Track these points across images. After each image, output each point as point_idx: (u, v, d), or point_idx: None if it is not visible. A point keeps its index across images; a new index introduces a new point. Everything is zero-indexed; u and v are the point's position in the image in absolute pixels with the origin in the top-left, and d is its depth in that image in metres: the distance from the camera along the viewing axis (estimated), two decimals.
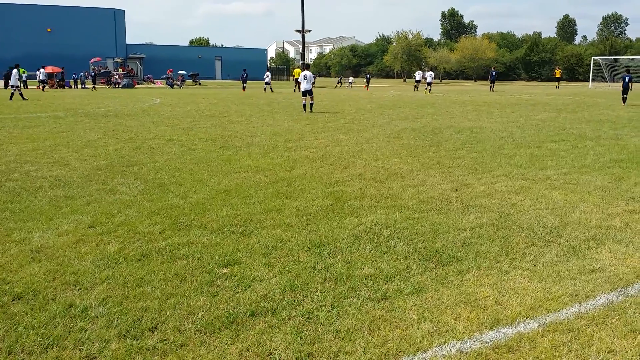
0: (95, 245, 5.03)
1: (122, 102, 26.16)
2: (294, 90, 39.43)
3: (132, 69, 55.13)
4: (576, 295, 3.97)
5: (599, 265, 4.56)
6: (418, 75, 46.52)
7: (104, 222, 5.71)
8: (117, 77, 47.74)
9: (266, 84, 41.12)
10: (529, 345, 3.28)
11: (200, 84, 56.61)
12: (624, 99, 26.06)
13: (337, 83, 57.03)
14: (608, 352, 3.20)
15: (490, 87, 44.54)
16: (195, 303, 3.80)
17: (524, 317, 3.63)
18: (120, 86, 46.17)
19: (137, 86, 48.55)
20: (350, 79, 59.13)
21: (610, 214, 6.13)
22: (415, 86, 45.44)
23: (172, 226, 5.57)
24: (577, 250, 4.94)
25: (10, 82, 27.26)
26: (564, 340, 3.33)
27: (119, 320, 3.55)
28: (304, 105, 21.24)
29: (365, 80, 55.04)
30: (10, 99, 26.12)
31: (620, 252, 4.89)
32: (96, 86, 42.34)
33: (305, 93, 21.20)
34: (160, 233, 5.36)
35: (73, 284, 4.14)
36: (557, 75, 54.66)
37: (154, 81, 55.69)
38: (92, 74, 43.82)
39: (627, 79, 26.82)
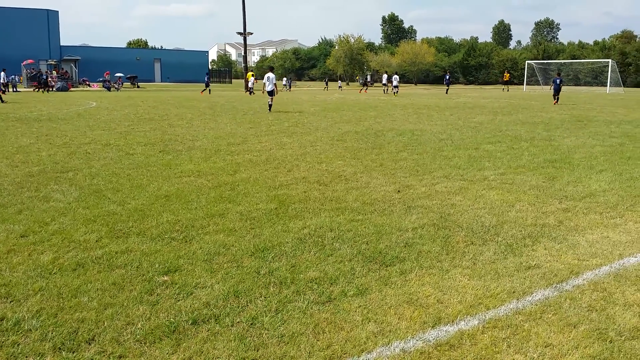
0: (28, 255, 4.79)
1: (56, 106, 25.19)
2: (249, 92, 40.55)
3: (66, 71, 53.18)
4: (514, 292, 4.09)
5: (535, 262, 4.72)
6: (384, 78, 49.54)
7: (36, 231, 5.45)
8: (50, 80, 45.87)
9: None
10: (469, 342, 3.35)
11: (138, 86, 55.24)
12: (556, 98, 28.96)
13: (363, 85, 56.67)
14: (545, 347, 3.30)
15: (446, 90, 47.20)
16: (134, 313, 3.67)
17: (464, 315, 3.70)
18: (54, 89, 44.41)
19: (72, 89, 46.83)
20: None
21: (545, 212, 6.37)
22: (384, 89, 48.42)
23: (109, 234, 5.38)
24: (514, 248, 5.10)
25: None
26: (503, 336, 3.42)
27: (54, 333, 3.39)
28: (270, 105, 22.55)
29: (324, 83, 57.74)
30: None
31: (555, 249, 5.08)
32: (43, 89, 40.80)
33: (270, 94, 22.51)
34: (96, 241, 5.16)
35: (4, 296, 3.93)
36: (506, 79, 56.16)
37: (90, 84, 53.93)
38: (45, 77, 42.09)
39: (557, 81, 29.61)
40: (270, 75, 22.99)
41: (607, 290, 4.13)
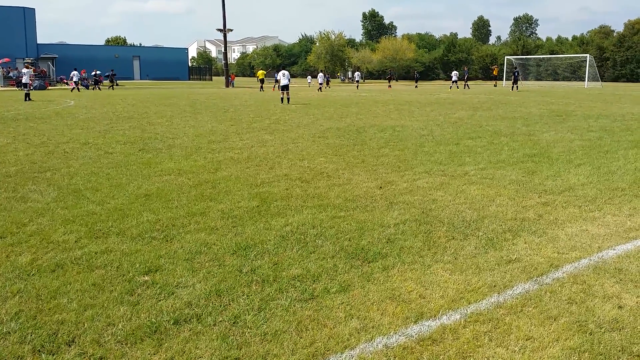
0: (6, 256, 4.71)
1: (34, 105, 24.80)
2: (260, 90, 43.55)
3: (43, 69, 52.38)
4: (495, 286, 4.12)
5: (515, 256, 4.76)
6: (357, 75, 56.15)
7: (14, 232, 5.36)
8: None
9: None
10: (451, 336, 3.37)
11: (117, 84, 54.59)
12: (515, 87, 42.47)
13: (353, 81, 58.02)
14: (526, 340, 3.34)
15: (465, 84, 50.19)
16: (115, 313, 3.63)
17: (446, 310, 3.72)
18: (31, 88, 43.66)
19: (49, 88, 46.13)
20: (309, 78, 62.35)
21: (525, 206, 6.43)
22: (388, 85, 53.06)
23: (88, 234, 5.31)
24: (494, 242, 5.14)
25: None
26: (484, 330, 3.44)
27: (33, 335, 3.34)
28: (282, 98, 26.14)
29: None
30: None
31: (535, 243, 5.13)
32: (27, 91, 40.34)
33: (283, 88, 26.17)
34: (75, 242, 5.09)
35: None
36: (495, 74, 56.13)
37: (67, 82, 53.17)
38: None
39: (516, 73, 44.40)
40: (285, 72, 26.88)
41: (586, 282, 4.19)
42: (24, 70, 28.99)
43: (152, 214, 6.00)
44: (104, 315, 3.60)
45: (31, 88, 27.97)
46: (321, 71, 56.62)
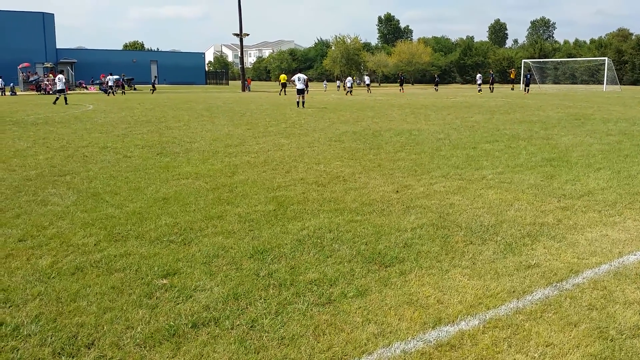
0: (26, 259, 4.77)
1: (53, 109, 25.15)
2: (279, 94, 44.20)
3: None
4: (514, 291, 4.08)
5: (534, 261, 4.71)
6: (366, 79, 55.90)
7: (35, 235, 5.43)
8: (46, 82, 45.79)
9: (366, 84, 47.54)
10: (470, 342, 3.34)
11: (135, 89, 55.14)
12: (527, 90, 44.21)
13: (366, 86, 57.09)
14: (546, 346, 3.30)
15: (435, 89, 53.40)
16: (133, 317, 3.66)
17: (465, 315, 3.69)
18: (51, 92, 44.32)
19: (68, 92, 46.69)
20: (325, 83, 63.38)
21: (544, 211, 6.37)
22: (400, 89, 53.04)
23: (107, 237, 5.37)
24: (513, 247, 5.10)
25: None
26: (503, 336, 3.41)
27: (53, 338, 3.37)
28: (298, 102, 26.02)
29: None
30: None
31: (554, 248, 5.07)
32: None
33: (299, 92, 26.14)
34: (95, 245, 5.14)
35: (3, 301, 3.91)
36: (512, 77, 55.72)
37: (86, 87, 53.83)
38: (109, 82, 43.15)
39: (528, 76, 46.43)
40: (302, 76, 26.80)
41: (607, 288, 4.13)
42: (59, 76, 30.68)
43: (170, 218, 6.05)
44: (123, 318, 3.63)
45: (67, 93, 29.91)
46: (350, 75, 57.28)
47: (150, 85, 49.88)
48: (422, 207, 6.50)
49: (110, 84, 43.24)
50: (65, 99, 29.23)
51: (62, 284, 4.22)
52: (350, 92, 46.02)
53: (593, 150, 10.99)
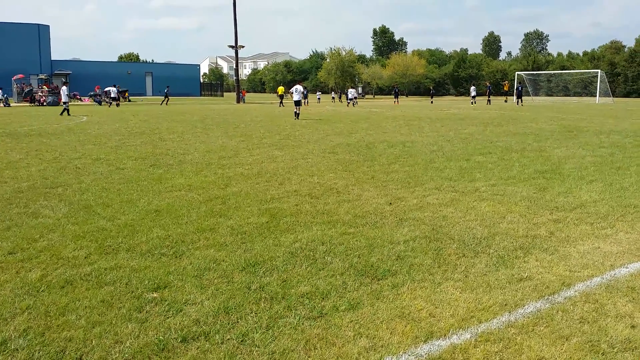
0: (16, 272, 4.73)
1: (47, 121, 25.10)
2: (280, 105, 44.13)
3: (57, 85, 53.01)
4: (506, 305, 4.07)
5: (526, 274, 4.71)
6: (354, 92, 52.07)
7: (25, 248, 5.39)
8: (41, 94, 45.73)
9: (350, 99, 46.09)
10: (462, 356, 3.32)
11: (129, 100, 55.12)
12: (519, 102, 45.89)
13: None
14: None
15: (395, 101, 53.70)
16: (122, 331, 3.62)
17: (456, 329, 3.68)
18: (45, 104, 44.25)
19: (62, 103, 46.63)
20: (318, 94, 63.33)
21: (536, 223, 6.37)
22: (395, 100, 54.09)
23: (98, 250, 5.33)
24: (505, 260, 5.09)
25: None
26: (495, 350, 3.39)
27: (41, 353, 3.34)
28: (296, 113, 25.99)
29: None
30: None
31: (547, 261, 5.07)
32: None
33: (297, 103, 26.25)
34: (85, 258, 5.11)
35: None
36: (506, 89, 56.18)
37: (80, 98, 53.77)
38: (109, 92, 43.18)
39: (520, 88, 48.41)
40: (299, 87, 27.09)
41: (598, 301, 4.13)
42: (63, 88, 31.00)
43: (162, 230, 6.02)
44: (112, 333, 3.60)
45: (67, 105, 30.18)
46: (352, 87, 57.66)
47: (163, 97, 49.64)
48: (415, 220, 6.50)
49: (112, 95, 43.36)
50: (68, 110, 29.66)
51: (51, 297, 4.18)
52: (353, 103, 46.14)
53: (585, 163, 11.04)
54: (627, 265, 4.95)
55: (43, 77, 57.06)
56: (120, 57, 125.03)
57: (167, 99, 48.55)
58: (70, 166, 10.81)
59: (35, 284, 4.46)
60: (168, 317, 3.84)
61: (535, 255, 5.21)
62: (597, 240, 5.70)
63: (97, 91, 50.56)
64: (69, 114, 29.08)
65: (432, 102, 54.77)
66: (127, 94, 55.35)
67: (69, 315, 3.86)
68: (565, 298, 4.20)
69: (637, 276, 4.66)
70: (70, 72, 68.33)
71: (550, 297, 4.21)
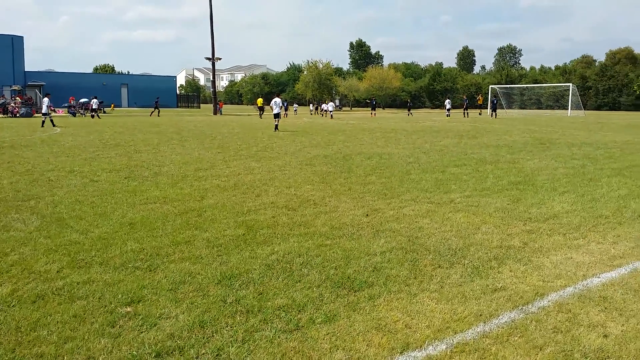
0: None
1: (20, 132, 24.67)
2: (260, 117, 45.53)
3: (30, 97, 52.26)
4: (481, 315, 4.11)
5: (501, 285, 4.76)
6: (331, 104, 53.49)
7: None
8: (14, 105, 44.97)
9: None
10: None
11: (104, 112, 54.52)
12: (494, 114, 48.41)
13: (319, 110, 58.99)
14: None
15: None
16: (95, 346, 3.56)
17: (432, 340, 3.69)
18: (18, 115, 43.52)
19: (36, 115, 45.94)
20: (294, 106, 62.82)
21: (510, 234, 6.45)
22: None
23: (70, 264, 5.23)
24: (480, 270, 5.14)
25: None
26: None
27: None
28: (276, 125, 26.16)
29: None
30: None
31: (520, 271, 5.13)
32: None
33: (276, 116, 26.57)
34: (57, 272, 5.01)
35: None
36: (480, 102, 58.21)
37: (54, 109, 53.00)
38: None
39: (495, 101, 50.94)
40: (277, 100, 27.64)
41: (571, 311, 4.19)
42: (44, 99, 31.22)
43: (136, 243, 5.94)
44: (84, 348, 3.53)
45: (51, 116, 30.46)
46: (332, 100, 58.44)
47: (153, 108, 49.08)
48: (391, 231, 6.53)
49: (94, 107, 42.82)
50: (52, 121, 30.04)
51: (22, 312, 4.09)
52: (332, 115, 48.23)
53: (558, 174, 11.23)
54: (599, 275, 5.03)
55: (16, 88, 56.15)
56: (96, 69, 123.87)
57: (157, 110, 48.19)
58: (43, 178, 10.62)
59: (6, 298, 4.36)
60: (142, 332, 3.78)
61: (509, 266, 5.27)
62: (569, 251, 5.79)
63: (72, 102, 49.85)
64: (53, 125, 29.27)
65: (410, 114, 54.94)
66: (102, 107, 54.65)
67: (40, 330, 3.78)
68: (538, 308, 4.25)
69: (609, 286, 4.75)
70: (44, 84, 67.34)
71: (524, 307, 4.26)
